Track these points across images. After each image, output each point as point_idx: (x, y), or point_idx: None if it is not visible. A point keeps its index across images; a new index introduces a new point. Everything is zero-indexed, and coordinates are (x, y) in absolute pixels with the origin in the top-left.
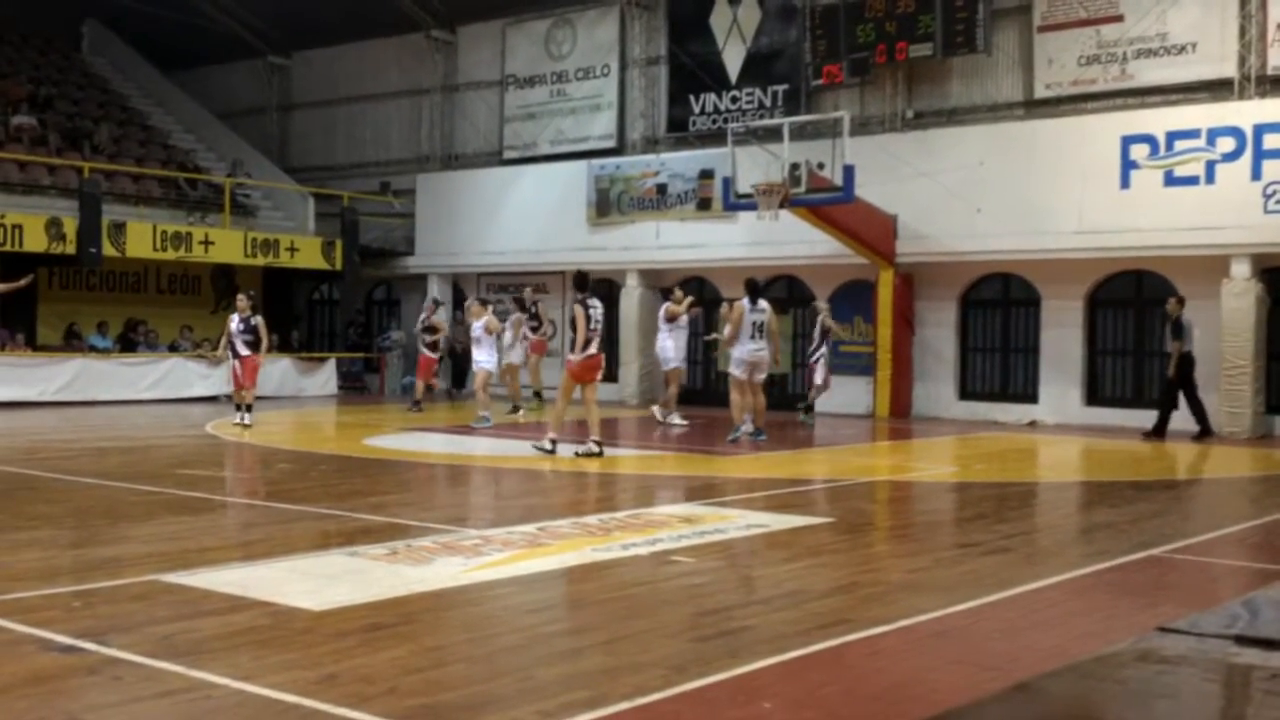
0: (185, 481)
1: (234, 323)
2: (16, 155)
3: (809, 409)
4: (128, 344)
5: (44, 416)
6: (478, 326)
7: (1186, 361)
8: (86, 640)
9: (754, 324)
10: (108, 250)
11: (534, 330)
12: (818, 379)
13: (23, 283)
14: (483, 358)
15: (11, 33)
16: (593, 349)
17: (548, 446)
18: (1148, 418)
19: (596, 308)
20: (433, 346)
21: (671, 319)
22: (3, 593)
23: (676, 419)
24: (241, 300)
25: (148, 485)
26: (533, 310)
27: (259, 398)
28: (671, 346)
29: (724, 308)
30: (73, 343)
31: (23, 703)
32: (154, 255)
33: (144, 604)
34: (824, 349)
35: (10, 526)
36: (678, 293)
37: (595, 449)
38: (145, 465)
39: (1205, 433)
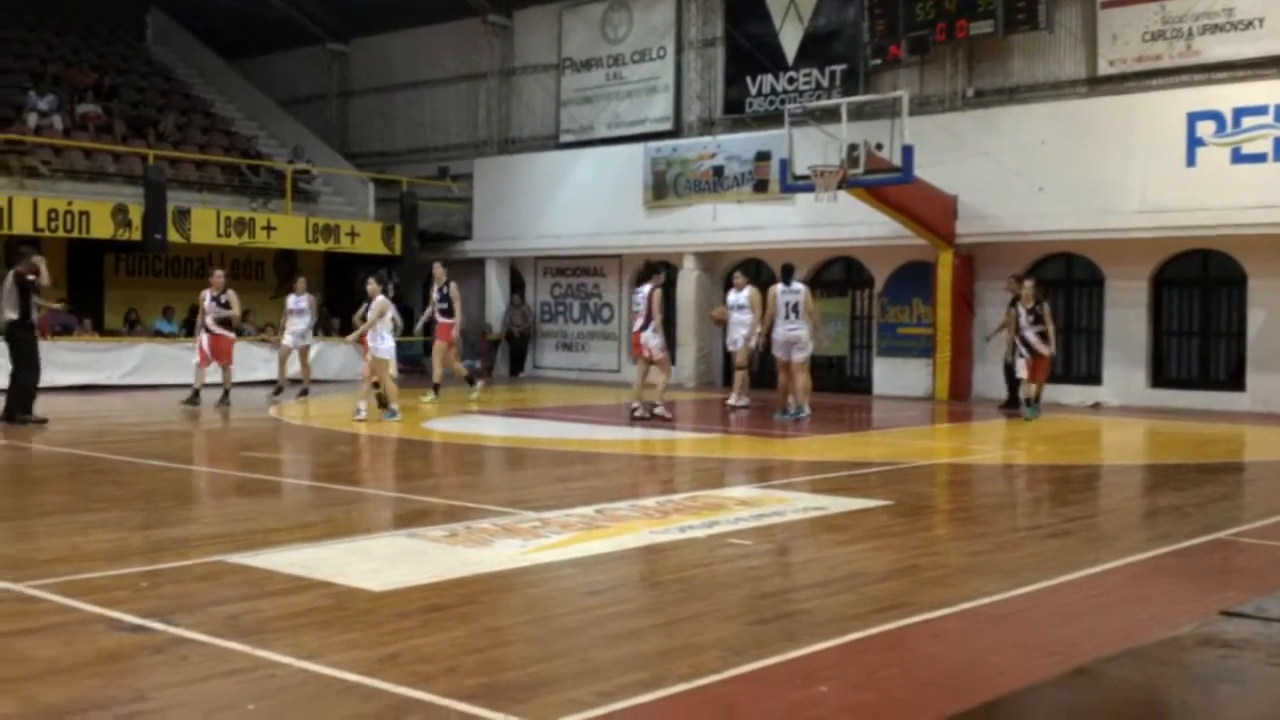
0: (248, 464)
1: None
2: (83, 143)
3: (1027, 402)
4: (193, 329)
5: (111, 400)
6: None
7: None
8: (154, 620)
9: (788, 304)
10: (172, 236)
11: (444, 314)
12: (1021, 371)
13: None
14: (381, 345)
15: (77, 23)
16: (634, 328)
17: (667, 414)
18: (1214, 399)
19: (637, 293)
20: (224, 323)
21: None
22: (73, 573)
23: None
24: (373, 284)
25: (212, 467)
26: (444, 291)
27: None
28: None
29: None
30: (135, 328)
31: (93, 681)
32: (218, 241)
33: (209, 584)
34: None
35: (79, 508)
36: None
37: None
38: (210, 448)
39: (1013, 404)
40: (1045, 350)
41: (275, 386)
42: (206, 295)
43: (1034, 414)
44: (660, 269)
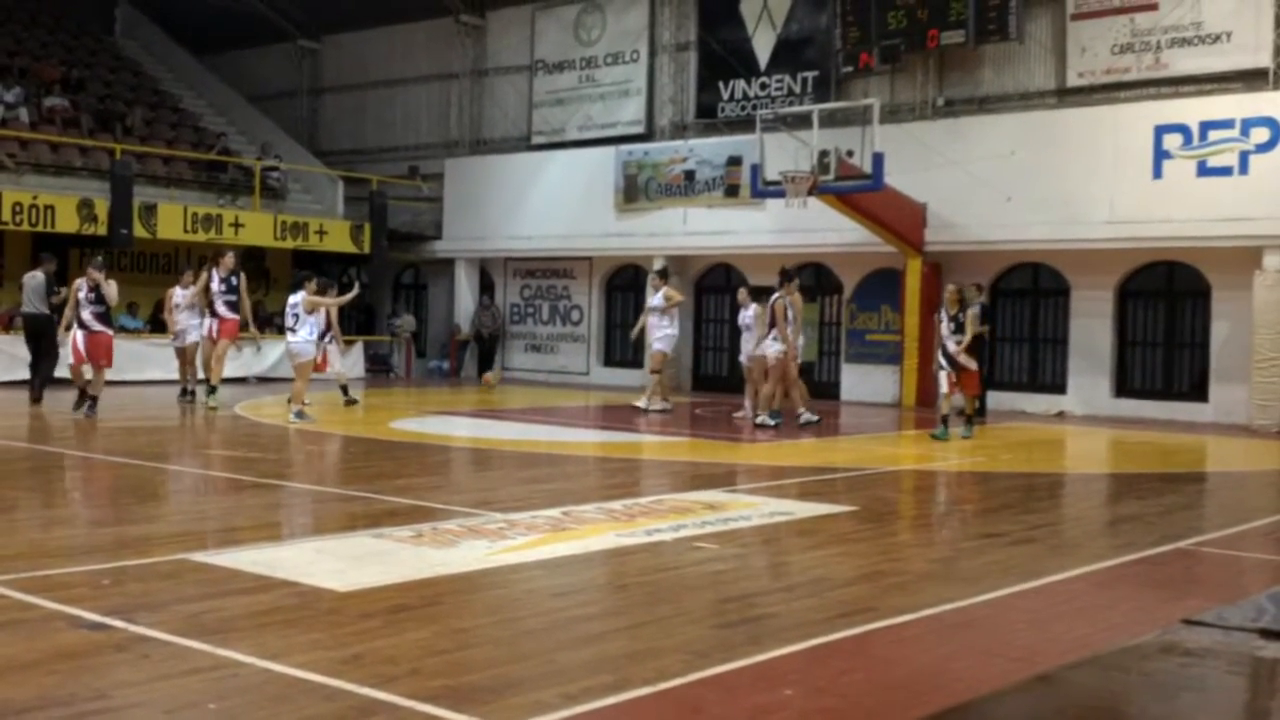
0: (214, 462)
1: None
2: (49, 137)
3: (943, 420)
4: (158, 325)
5: (73, 396)
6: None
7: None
8: (115, 618)
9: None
10: (139, 232)
11: (230, 307)
12: (943, 385)
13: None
14: (304, 338)
15: (45, 15)
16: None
17: (770, 422)
18: (1177, 410)
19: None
20: (103, 319)
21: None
22: (33, 570)
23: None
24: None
25: (177, 465)
26: (233, 282)
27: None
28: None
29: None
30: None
31: (52, 678)
32: (184, 237)
33: (172, 582)
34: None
35: (41, 504)
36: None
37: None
38: (175, 445)
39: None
40: (968, 364)
41: (205, 388)
42: (82, 285)
43: (943, 434)
44: (794, 275)
